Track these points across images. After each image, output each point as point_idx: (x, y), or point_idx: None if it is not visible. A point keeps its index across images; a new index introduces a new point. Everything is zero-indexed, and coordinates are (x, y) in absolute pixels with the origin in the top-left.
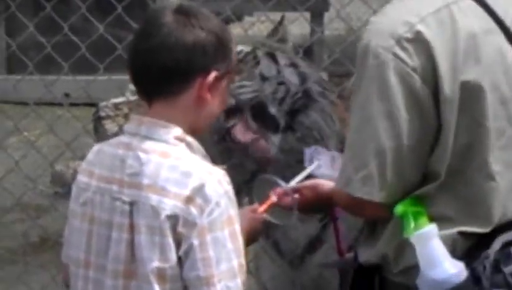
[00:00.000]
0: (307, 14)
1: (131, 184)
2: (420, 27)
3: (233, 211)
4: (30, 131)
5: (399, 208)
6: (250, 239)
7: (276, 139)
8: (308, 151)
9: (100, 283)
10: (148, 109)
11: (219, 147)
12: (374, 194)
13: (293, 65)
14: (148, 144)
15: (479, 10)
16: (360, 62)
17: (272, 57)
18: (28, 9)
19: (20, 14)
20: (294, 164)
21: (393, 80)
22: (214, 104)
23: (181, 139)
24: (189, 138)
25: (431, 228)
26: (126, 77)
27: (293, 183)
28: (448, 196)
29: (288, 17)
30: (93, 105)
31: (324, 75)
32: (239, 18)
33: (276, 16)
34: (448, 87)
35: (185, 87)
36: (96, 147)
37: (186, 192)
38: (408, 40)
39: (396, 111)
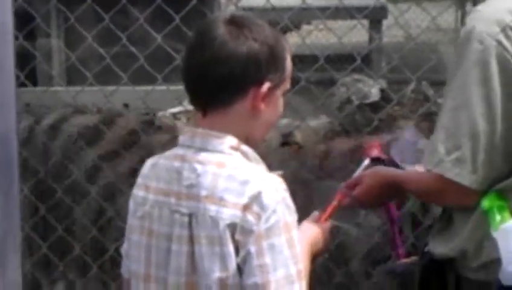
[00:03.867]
0: (365, 22)
1: (189, 196)
2: None
3: (290, 217)
4: None
5: (485, 203)
6: (320, 250)
7: None
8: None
9: None
10: (202, 118)
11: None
12: (465, 176)
13: None
14: (203, 156)
15: None
16: (462, 46)
17: None
18: (87, 21)
19: (78, 26)
20: None
21: (494, 66)
22: (268, 114)
23: (236, 148)
24: (244, 147)
25: None
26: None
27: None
28: None
29: (347, 25)
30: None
31: (383, 83)
32: (297, 26)
33: (333, 24)
34: None
35: (239, 98)
36: (150, 161)
37: (244, 200)
38: None
39: (494, 96)
